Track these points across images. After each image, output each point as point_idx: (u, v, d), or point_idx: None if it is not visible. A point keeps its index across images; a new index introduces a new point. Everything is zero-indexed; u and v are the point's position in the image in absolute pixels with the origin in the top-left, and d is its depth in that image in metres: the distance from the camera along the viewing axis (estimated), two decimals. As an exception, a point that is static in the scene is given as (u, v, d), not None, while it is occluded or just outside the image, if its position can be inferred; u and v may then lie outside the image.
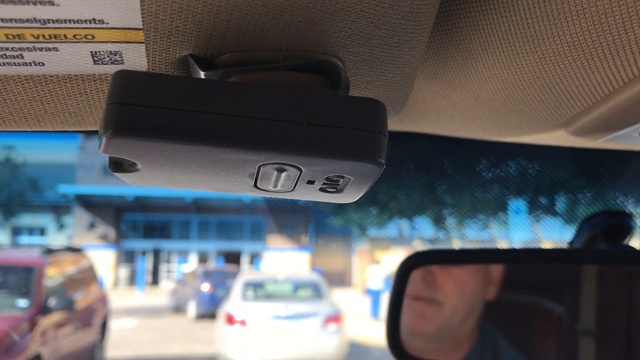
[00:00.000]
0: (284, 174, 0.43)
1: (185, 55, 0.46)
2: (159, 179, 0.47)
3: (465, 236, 7.97)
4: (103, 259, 19.91)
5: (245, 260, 21.76)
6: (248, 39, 0.44)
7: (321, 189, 0.47)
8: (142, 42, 0.44)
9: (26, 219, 20.40)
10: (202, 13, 0.41)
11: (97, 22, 0.40)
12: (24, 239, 20.59)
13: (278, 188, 0.47)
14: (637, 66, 0.48)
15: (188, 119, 0.38)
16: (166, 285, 19.81)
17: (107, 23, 0.41)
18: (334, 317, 7.53)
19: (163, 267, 21.36)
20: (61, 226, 20.70)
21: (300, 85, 0.46)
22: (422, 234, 8.58)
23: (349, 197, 0.48)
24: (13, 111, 0.52)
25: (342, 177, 0.44)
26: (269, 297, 8.33)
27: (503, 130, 0.74)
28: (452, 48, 0.55)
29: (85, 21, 0.40)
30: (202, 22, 0.42)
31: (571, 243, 0.97)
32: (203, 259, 21.78)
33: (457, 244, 8.89)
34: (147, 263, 21.16)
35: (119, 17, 0.40)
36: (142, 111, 0.38)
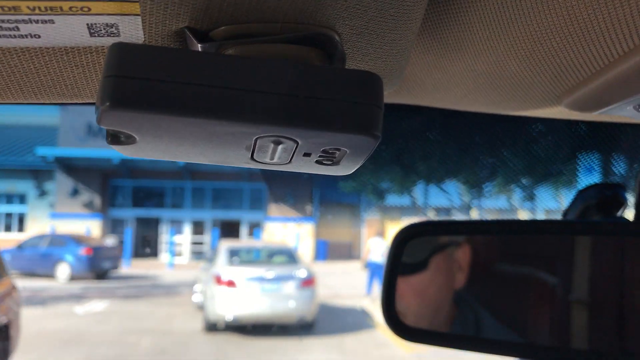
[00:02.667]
0: (280, 147, 0.47)
1: (181, 28, 0.50)
2: (156, 151, 0.51)
3: (483, 206, 8.04)
4: (87, 229, 20.04)
5: (244, 231, 21.81)
6: (244, 11, 0.48)
7: (317, 162, 0.51)
8: (138, 15, 0.48)
9: (4, 185, 20.38)
10: None
11: None
12: (3, 208, 20.61)
13: (275, 160, 0.51)
14: (631, 40, 0.52)
15: (185, 91, 0.42)
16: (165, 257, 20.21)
17: None
18: (308, 280, 9.69)
19: (161, 238, 21.41)
20: (42, 193, 20.63)
21: (296, 57, 0.50)
22: (437, 203, 8.67)
23: (344, 169, 0.53)
24: (9, 83, 0.57)
25: (338, 149, 0.48)
26: (251, 262, 10.49)
27: (499, 103, 0.79)
28: (449, 20, 0.58)
29: None
30: None
31: (565, 214, 1.03)
32: (198, 229, 21.86)
33: (474, 214, 8.96)
34: (145, 234, 21.27)
35: None
36: (139, 84, 0.42)
